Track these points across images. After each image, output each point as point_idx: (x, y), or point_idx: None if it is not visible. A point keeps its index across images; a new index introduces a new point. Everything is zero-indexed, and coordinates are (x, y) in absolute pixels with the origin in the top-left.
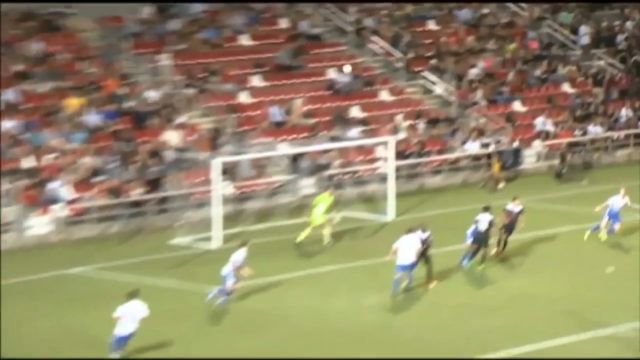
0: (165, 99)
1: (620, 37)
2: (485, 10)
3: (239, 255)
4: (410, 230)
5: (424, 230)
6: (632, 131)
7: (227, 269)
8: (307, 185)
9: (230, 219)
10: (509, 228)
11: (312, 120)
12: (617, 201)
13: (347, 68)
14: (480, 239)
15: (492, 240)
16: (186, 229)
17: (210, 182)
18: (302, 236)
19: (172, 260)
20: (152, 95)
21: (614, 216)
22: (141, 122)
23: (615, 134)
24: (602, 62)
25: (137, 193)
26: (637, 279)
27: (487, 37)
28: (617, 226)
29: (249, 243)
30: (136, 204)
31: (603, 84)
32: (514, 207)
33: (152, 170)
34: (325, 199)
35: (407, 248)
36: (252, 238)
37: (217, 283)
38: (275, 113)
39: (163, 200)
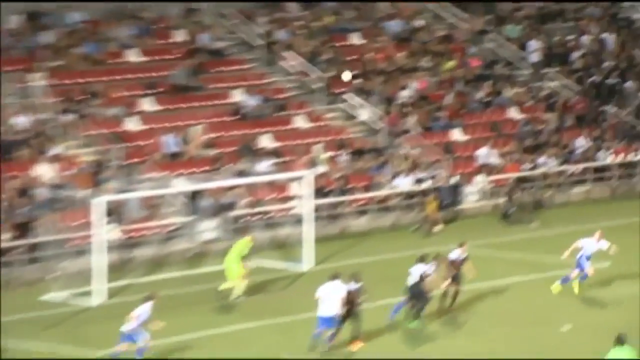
0: (37, 125)
1: (575, 54)
2: (419, 22)
3: (144, 308)
4: (334, 277)
5: (356, 281)
6: (590, 164)
7: (130, 326)
8: (207, 228)
9: (115, 270)
10: (456, 279)
11: (214, 151)
12: (590, 245)
13: (347, 75)
14: (411, 294)
15: (434, 293)
16: (62, 282)
17: (91, 225)
18: (225, 285)
19: (44, 319)
20: (21, 121)
21: (584, 262)
22: (8, 153)
23: (570, 168)
24: (554, 84)
25: (2, 239)
26: (597, 338)
27: (421, 54)
28: (590, 270)
29: (156, 297)
30: (0, 252)
31: (556, 109)
32: (461, 254)
33: (20, 212)
34: (245, 245)
35: (330, 297)
36: (143, 291)
37: (101, 346)
38: (170, 143)
39: (34, 247)
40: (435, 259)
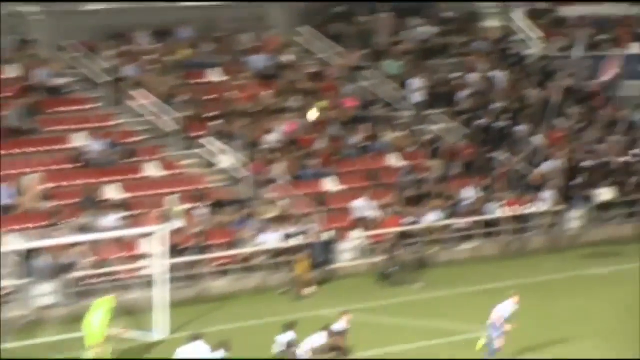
0: None
1: (461, 94)
2: (286, 57)
3: None
4: (196, 337)
5: (226, 349)
6: (478, 218)
7: None
8: (44, 292)
9: None
10: (343, 352)
11: (52, 204)
12: (507, 308)
13: (313, 114)
14: None
15: None
16: None
17: None
18: (92, 354)
19: None
20: None
21: (496, 330)
22: None
23: (457, 222)
24: (439, 127)
25: None
26: None
27: (289, 93)
28: (498, 342)
29: None
30: None
31: (441, 156)
32: (346, 324)
33: None
34: (108, 305)
35: None
36: None
37: None
38: (1, 194)
39: None
40: (325, 330)
